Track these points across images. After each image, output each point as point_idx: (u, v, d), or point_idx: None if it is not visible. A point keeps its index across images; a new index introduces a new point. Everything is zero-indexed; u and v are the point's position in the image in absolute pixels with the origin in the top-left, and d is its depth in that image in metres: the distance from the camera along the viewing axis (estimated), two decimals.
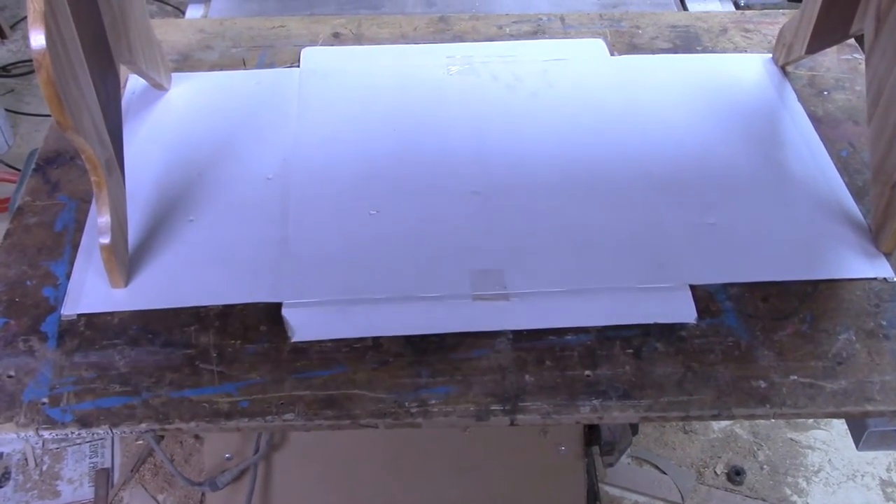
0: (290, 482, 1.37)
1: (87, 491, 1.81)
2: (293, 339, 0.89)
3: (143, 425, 0.83)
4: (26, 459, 1.87)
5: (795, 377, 0.86)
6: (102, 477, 1.82)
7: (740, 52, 1.27)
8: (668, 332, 0.90)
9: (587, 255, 0.97)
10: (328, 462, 1.37)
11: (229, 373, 0.86)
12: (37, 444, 1.90)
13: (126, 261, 0.95)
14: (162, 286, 0.94)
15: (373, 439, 1.36)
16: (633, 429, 1.69)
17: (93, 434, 0.83)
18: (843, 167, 1.08)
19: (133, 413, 0.83)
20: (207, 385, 0.85)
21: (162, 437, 1.86)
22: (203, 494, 1.44)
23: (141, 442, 1.88)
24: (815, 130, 1.13)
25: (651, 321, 0.91)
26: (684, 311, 0.92)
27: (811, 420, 1.93)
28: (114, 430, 0.83)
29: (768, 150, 1.11)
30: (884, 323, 0.91)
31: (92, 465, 1.86)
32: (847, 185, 1.06)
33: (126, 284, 0.94)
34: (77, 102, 0.82)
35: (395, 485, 1.38)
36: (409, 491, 1.38)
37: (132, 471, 1.85)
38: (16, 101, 2.75)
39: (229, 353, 0.88)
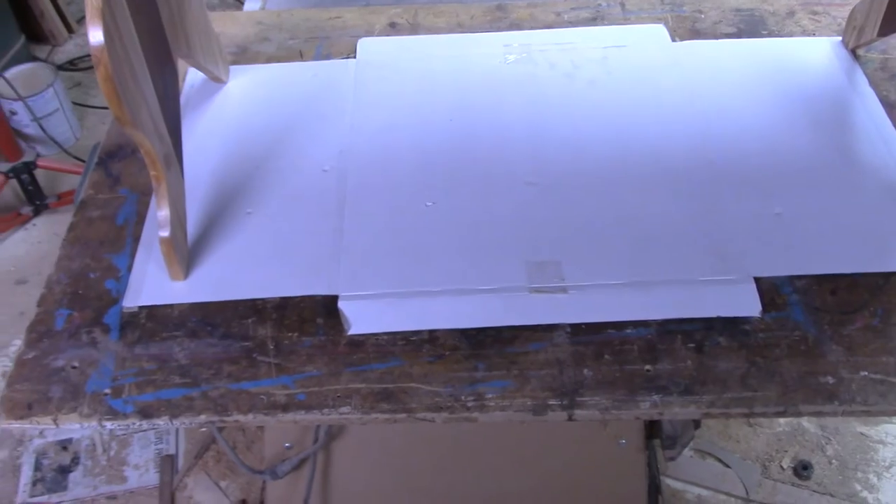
0: (348, 471, 1.37)
1: (153, 477, 1.85)
2: (349, 332, 0.89)
3: (203, 417, 0.83)
4: (94, 445, 1.91)
5: (866, 373, 0.83)
6: (167, 463, 1.85)
7: (808, 35, 1.22)
8: (732, 325, 0.88)
9: (647, 246, 0.95)
10: (386, 452, 1.37)
11: (286, 365, 0.87)
12: (105, 430, 1.94)
13: (185, 254, 0.96)
14: (220, 279, 0.95)
15: (431, 430, 1.36)
16: (696, 422, 1.66)
17: (153, 424, 0.83)
18: None
19: (192, 405, 0.84)
20: (265, 377, 0.86)
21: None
22: (264, 482, 1.45)
23: (204, 429, 1.91)
24: (888, 115, 1.09)
25: (713, 314, 0.89)
26: (748, 305, 0.89)
27: None
28: (173, 422, 0.84)
29: (837, 136, 1.07)
30: None
31: (157, 451, 1.90)
32: None
33: (185, 277, 0.95)
34: (135, 98, 0.83)
35: (453, 476, 1.38)
36: (467, 483, 1.38)
37: (196, 458, 1.89)
38: (82, 94, 2.81)
39: (286, 345, 0.88)
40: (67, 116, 2.57)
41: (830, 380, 0.83)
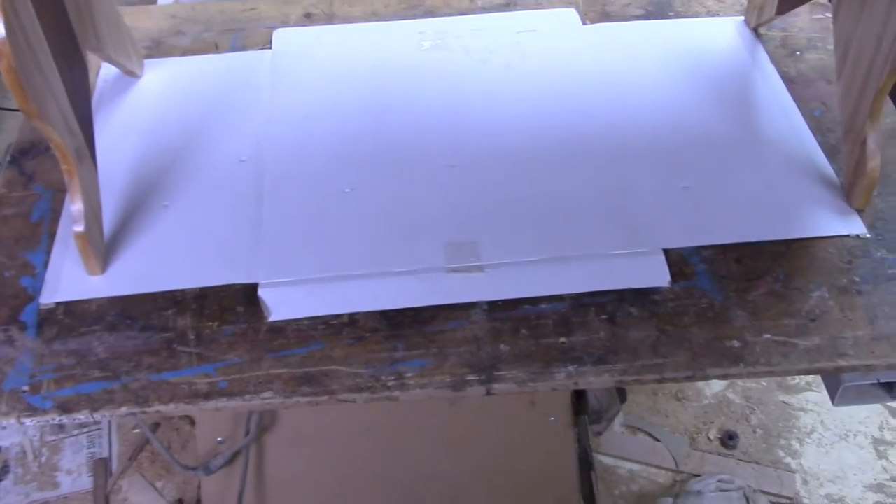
0: (282, 462, 1.38)
1: (86, 481, 1.82)
2: (270, 319, 0.90)
3: (124, 409, 0.83)
4: (25, 452, 1.88)
5: (769, 336, 0.87)
6: (101, 467, 1.83)
7: (713, 15, 1.26)
8: (642, 296, 0.91)
9: (561, 223, 0.98)
10: (318, 441, 1.38)
11: (207, 354, 0.87)
12: (35, 436, 1.91)
13: (102, 248, 0.95)
14: (139, 271, 0.94)
15: (362, 417, 1.37)
16: (621, 396, 1.70)
17: (73, 419, 0.83)
18: (816, 126, 1.08)
19: (112, 397, 0.84)
20: (185, 367, 0.86)
21: (158, 424, 1.88)
22: (199, 480, 1.45)
23: (138, 430, 1.89)
24: (788, 91, 1.13)
25: (625, 286, 0.92)
26: (658, 276, 0.92)
27: (803, 382, 1.94)
28: (94, 415, 0.83)
29: (741, 112, 1.11)
30: (856, 279, 0.92)
31: (90, 455, 1.87)
32: (820, 143, 1.06)
33: (103, 271, 0.94)
34: (42, 90, 0.82)
35: (387, 461, 1.40)
36: (401, 467, 1.39)
37: (130, 459, 1.86)
38: (0, 97, 2.75)
39: (207, 334, 0.89)
40: None
41: (736, 343, 0.86)
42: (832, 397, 0.92)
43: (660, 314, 0.89)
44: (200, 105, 1.15)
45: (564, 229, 0.97)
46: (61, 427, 1.91)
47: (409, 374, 0.85)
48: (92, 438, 1.90)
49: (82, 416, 0.83)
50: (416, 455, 1.40)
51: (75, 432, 1.91)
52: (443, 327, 0.89)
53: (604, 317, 0.89)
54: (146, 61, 1.21)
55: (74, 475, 1.84)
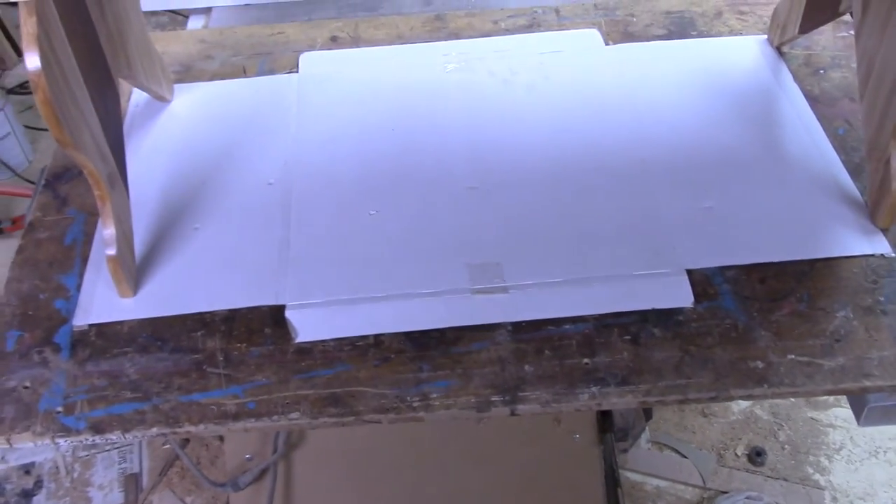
0: (309, 480, 1.39)
1: (118, 496, 1.85)
2: (297, 340, 0.91)
3: (154, 429, 0.85)
4: (57, 468, 1.91)
5: (793, 356, 0.87)
6: (132, 482, 1.86)
7: (735, 34, 1.27)
8: (666, 317, 0.91)
9: (584, 244, 0.98)
10: (346, 459, 1.39)
11: (236, 375, 0.89)
12: (67, 452, 1.94)
13: (133, 270, 0.97)
14: (169, 294, 0.96)
15: (389, 435, 1.38)
16: (647, 414, 1.70)
17: (106, 439, 0.85)
18: (840, 145, 1.08)
19: (143, 418, 0.86)
20: (215, 388, 0.88)
21: (188, 441, 1.90)
22: (228, 495, 1.47)
23: (168, 446, 1.91)
24: (812, 109, 1.13)
25: (648, 307, 0.92)
26: (681, 296, 0.93)
27: (832, 398, 1.93)
28: (126, 436, 0.85)
29: (765, 131, 1.11)
30: (881, 299, 0.91)
31: (121, 470, 1.90)
32: (844, 162, 1.06)
33: (134, 293, 0.96)
34: (75, 120, 0.85)
35: (413, 479, 1.40)
36: (427, 485, 1.40)
37: (160, 475, 1.89)
38: (35, 117, 2.80)
39: (235, 356, 0.90)
40: (19, 140, 2.56)
41: (760, 364, 0.86)
42: (857, 418, 0.92)
43: (683, 335, 0.90)
44: (229, 128, 1.17)
45: (587, 250, 0.98)
46: (93, 444, 1.94)
47: (434, 395, 0.86)
48: (123, 454, 1.93)
49: (114, 437, 0.85)
50: (442, 472, 1.40)
51: (107, 448, 1.94)
52: (468, 348, 0.90)
53: (627, 337, 0.90)
54: (176, 86, 1.24)
55: (106, 490, 1.87)
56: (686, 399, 0.85)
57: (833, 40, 1.24)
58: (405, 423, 0.86)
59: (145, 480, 1.89)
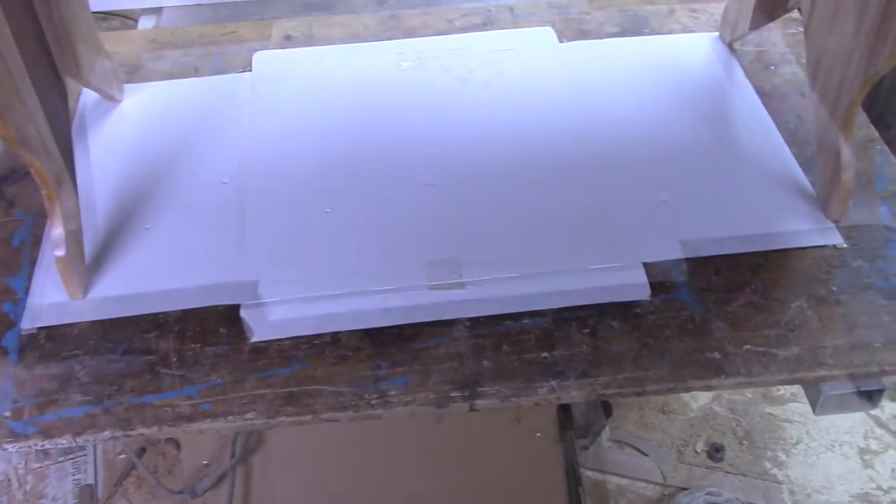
0: (268, 484, 1.37)
1: None
2: (252, 340, 0.90)
3: (107, 433, 0.83)
4: (9, 480, 1.86)
5: (749, 346, 0.88)
6: (87, 493, 1.82)
7: (688, 31, 1.28)
8: (624, 310, 0.91)
9: (541, 239, 0.98)
10: (305, 462, 1.38)
11: (190, 376, 0.87)
12: (19, 463, 1.90)
13: (83, 272, 0.95)
14: (121, 295, 0.94)
15: (349, 437, 1.37)
16: (607, 410, 1.70)
17: (56, 444, 0.83)
18: (792, 139, 1.10)
19: (95, 421, 0.84)
20: (168, 389, 0.86)
21: (144, 449, 1.86)
22: (185, 503, 1.44)
23: (123, 456, 1.88)
24: (764, 104, 1.15)
25: (606, 300, 0.92)
26: (638, 289, 0.93)
27: (788, 393, 1.95)
28: (77, 440, 0.83)
29: (718, 126, 1.12)
30: (834, 289, 0.93)
31: (75, 481, 1.85)
32: (796, 156, 1.07)
33: (85, 295, 0.94)
34: (21, 117, 0.83)
35: (374, 481, 1.39)
36: (389, 486, 1.39)
37: (116, 485, 1.85)
38: None
39: (189, 356, 0.89)
40: None
41: (717, 355, 0.87)
42: (813, 407, 0.92)
43: (641, 327, 0.90)
44: (181, 128, 1.15)
45: (545, 245, 0.98)
46: (46, 454, 1.89)
47: (393, 392, 0.85)
48: (77, 465, 1.89)
49: (65, 441, 0.83)
50: (404, 474, 1.39)
51: (60, 459, 1.89)
52: (426, 344, 0.89)
53: (586, 331, 0.90)
54: (126, 86, 1.22)
55: (60, 502, 1.83)
56: (644, 391, 0.85)
57: (783, 37, 1.25)
58: (364, 420, 0.85)
59: (100, 491, 1.85)
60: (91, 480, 1.86)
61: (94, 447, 1.90)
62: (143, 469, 1.54)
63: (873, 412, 1.91)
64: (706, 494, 1.73)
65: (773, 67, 1.20)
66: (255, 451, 1.36)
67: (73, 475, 1.88)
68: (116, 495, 1.84)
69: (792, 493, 1.80)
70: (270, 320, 0.91)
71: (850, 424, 1.91)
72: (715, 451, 1.84)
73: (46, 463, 1.89)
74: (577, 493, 1.55)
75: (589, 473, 1.81)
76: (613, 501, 1.81)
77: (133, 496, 1.83)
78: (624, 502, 1.79)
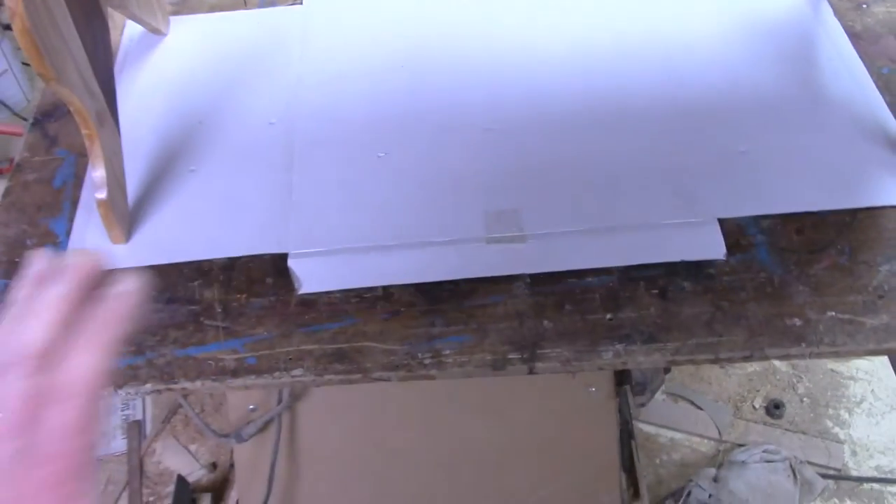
0: (314, 431, 1.35)
1: (121, 443, 1.82)
2: (300, 292, 0.85)
3: (148, 386, 0.80)
4: None
5: (833, 313, 0.81)
6: (134, 429, 1.82)
7: None
8: (696, 269, 0.85)
9: (609, 191, 0.92)
10: (352, 410, 1.35)
11: (235, 328, 0.83)
12: None
13: (126, 215, 0.91)
14: (164, 240, 0.90)
15: (398, 388, 1.33)
16: (666, 368, 1.65)
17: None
18: (885, 85, 1.01)
19: (137, 374, 0.80)
20: (212, 342, 0.82)
21: None
22: (231, 446, 1.43)
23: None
24: (854, 47, 1.05)
25: (677, 259, 0.86)
26: (712, 247, 0.86)
27: None
28: (118, 392, 0.80)
29: (802, 70, 1.04)
30: None
31: (124, 417, 1.86)
32: (889, 104, 0.98)
33: (127, 240, 0.90)
34: (59, 52, 0.78)
35: (422, 432, 1.36)
36: (437, 438, 1.36)
37: (163, 422, 1.86)
38: None
39: (234, 307, 0.85)
40: (17, 78, 2.48)
41: (797, 321, 0.80)
42: None
43: (715, 289, 0.83)
44: (228, 65, 1.10)
45: (612, 197, 0.91)
46: None
47: (447, 352, 0.80)
48: (126, 401, 1.89)
49: (105, 394, 0.80)
50: (453, 425, 1.36)
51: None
52: (483, 301, 0.84)
53: (654, 291, 0.83)
54: (172, 18, 1.16)
55: (109, 437, 1.84)
56: (718, 359, 0.79)
57: None
58: (415, 380, 0.81)
59: (148, 428, 1.86)
60: (139, 416, 1.87)
61: None
62: (189, 410, 1.53)
63: None
64: (763, 452, 1.68)
65: (864, 6, 1.11)
66: (302, 399, 1.33)
67: (122, 411, 1.88)
68: (164, 433, 1.84)
69: (854, 453, 1.74)
70: (319, 271, 0.86)
71: None
72: (774, 408, 1.78)
73: None
74: (629, 447, 1.51)
75: (642, 426, 1.76)
76: (666, 455, 1.76)
77: (180, 434, 1.84)
78: (678, 457, 1.75)
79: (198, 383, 0.80)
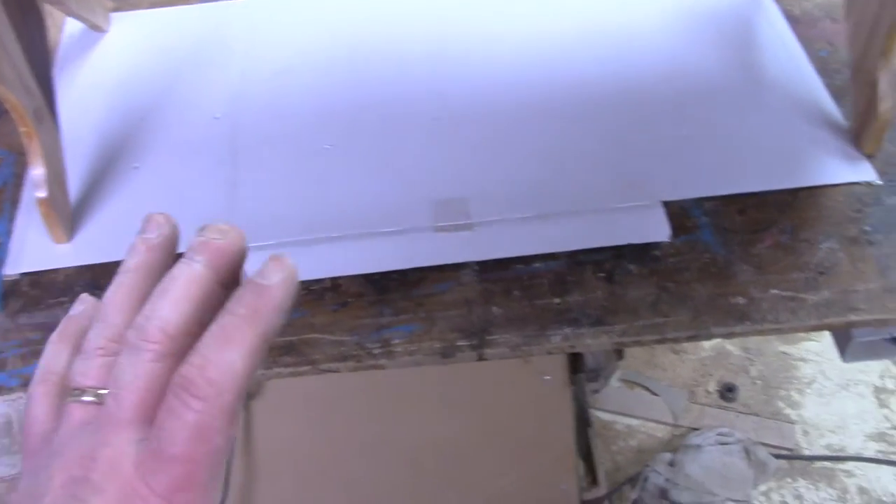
0: (271, 429, 1.34)
1: None
2: None
3: None
4: (11, 422, 1.84)
5: (776, 291, 0.82)
6: None
7: None
8: (642, 252, 0.86)
9: (554, 177, 0.92)
10: (309, 406, 1.34)
11: None
12: (20, 406, 1.87)
13: (68, 214, 0.90)
14: (108, 238, 0.89)
15: (351, 381, 1.33)
16: (618, 353, 1.66)
17: None
18: (822, 68, 1.02)
19: None
20: None
21: None
22: None
23: None
24: (792, 31, 1.07)
25: (623, 242, 0.86)
26: (657, 230, 0.87)
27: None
28: None
29: (743, 55, 1.05)
30: (867, 228, 0.87)
31: None
32: (827, 86, 1.00)
33: (69, 239, 0.89)
34: None
35: (379, 426, 1.36)
36: (393, 430, 1.36)
37: None
38: None
39: None
40: None
41: (741, 300, 0.82)
42: (842, 353, 0.88)
43: (660, 271, 0.84)
44: (171, 61, 1.08)
45: (558, 183, 0.92)
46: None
47: (397, 341, 0.80)
48: None
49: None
50: (409, 417, 1.36)
51: None
52: (431, 290, 0.84)
53: (601, 275, 0.84)
54: (113, 14, 1.14)
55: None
56: (664, 339, 0.80)
57: None
58: (365, 371, 0.81)
59: None
60: None
61: None
62: None
63: None
64: (718, 435, 1.71)
65: None
66: (257, 397, 1.32)
67: None
68: None
69: (805, 433, 1.77)
70: None
71: (865, 363, 1.87)
72: (727, 391, 1.81)
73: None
74: (586, 435, 1.52)
75: (599, 414, 1.78)
76: (623, 442, 1.78)
77: None
78: (634, 443, 1.77)
79: None
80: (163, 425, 0.39)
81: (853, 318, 0.81)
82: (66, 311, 0.82)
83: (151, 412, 0.40)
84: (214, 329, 0.41)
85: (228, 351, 0.40)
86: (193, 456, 0.39)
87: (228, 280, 0.45)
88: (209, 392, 0.39)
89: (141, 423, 0.40)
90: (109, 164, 0.96)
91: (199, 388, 0.39)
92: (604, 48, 1.06)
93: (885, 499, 1.67)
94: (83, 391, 0.42)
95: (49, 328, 0.81)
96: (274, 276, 0.43)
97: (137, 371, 0.40)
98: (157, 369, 0.40)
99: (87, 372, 0.43)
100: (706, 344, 1.89)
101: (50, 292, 0.85)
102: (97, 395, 0.42)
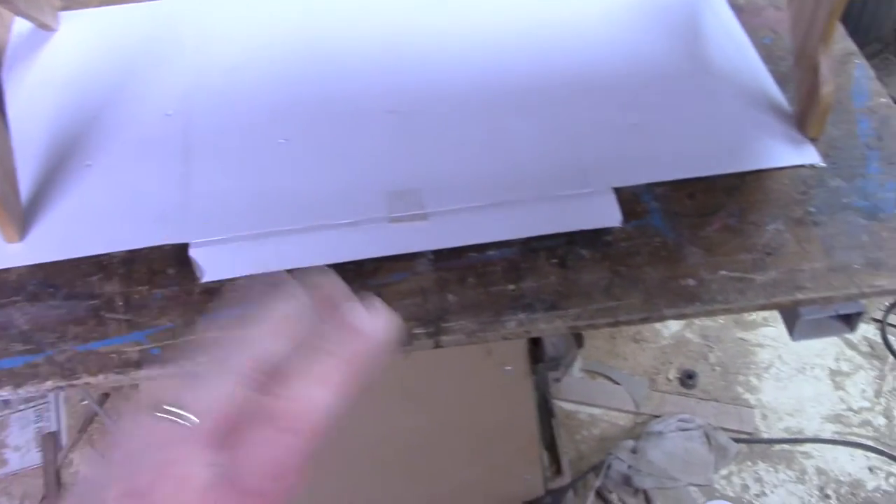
0: None
1: (36, 456, 1.77)
2: (203, 280, 0.85)
3: (49, 383, 0.78)
4: None
5: (724, 272, 0.84)
6: (50, 441, 1.78)
7: None
8: (594, 237, 0.87)
9: (506, 167, 0.93)
10: None
11: (137, 320, 0.82)
12: None
13: (19, 213, 0.89)
14: (60, 237, 0.89)
15: None
16: (578, 341, 1.68)
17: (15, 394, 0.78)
18: (767, 55, 1.05)
19: (37, 371, 0.79)
20: (115, 335, 0.81)
21: (107, 395, 1.82)
22: None
23: (86, 402, 1.83)
24: (737, 19, 1.09)
25: (576, 228, 0.88)
26: (609, 215, 0.89)
27: (760, 318, 1.94)
28: (18, 391, 0.78)
29: (689, 44, 1.07)
30: (812, 210, 0.89)
31: (38, 429, 1.82)
32: (771, 72, 1.02)
33: (21, 238, 0.88)
34: None
35: (343, 420, 1.36)
36: (356, 423, 1.36)
37: (80, 432, 1.81)
38: None
39: (136, 300, 0.83)
40: None
41: (691, 282, 0.83)
42: (790, 332, 0.90)
43: (612, 255, 0.86)
44: (121, 58, 1.08)
45: (510, 172, 0.93)
46: (6, 402, 1.85)
47: None
48: (39, 412, 1.85)
49: (6, 394, 0.78)
50: (371, 411, 1.36)
51: (21, 407, 1.85)
52: (387, 280, 0.84)
53: (554, 261, 0.85)
54: (62, 13, 1.14)
55: (23, 451, 1.79)
56: (617, 322, 0.82)
57: None
58: None
59: (65, 438, 1.81)
60: (54, 428, 1.82)
61: (56, 394, 1.86)
62: (104, 416, 1.50)
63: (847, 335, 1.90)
64: (679, 421, 1.73)
65: None
66: None
67: (36, 423, 1.84)
68: (81, 442, 1.80)
69: (764, 416, 1.80)
70: (222, 259, 0.86)
71: (822, 347, 1.91)
72: (687, 378, 1.84)
73: (7, 412, 1.85)
74: (549, 425, 1.54)
75: (562, 404, 1.79)
76: (586, 431, 1.80)
77: (98, 443, 1.80)
78: (597, 432, 1.79)
79: (101, 377, 0.79)
80: (245, 453, 0.37)
81: (800, 296, 0.83)
82: (20, 309, 0.82)
83: (228, 438, 0.37)
84: (315, 367, 0.40)
85: (324, 390, 0.40)
86: (268, 492, 0.37)
87: (331, 319, 0.45)
88: (300, 427, 0.38)
89: (218, 448, 0.37)
90: (61, 163, 0.95)
91: (292, 421, 0.38)
92: (554, 39, 1.07)
93: (841, 478, 1.71)
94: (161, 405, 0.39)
95: (2, 328, 0.81)
96: (379, 325, 0.44)
97: (220, 392, 0.38)
98: (241, 394, 0.39)
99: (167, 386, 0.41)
100: (665, 332, 1.92)
101: (2, 292, 0.85)
102: (174, 412, 0.39)
